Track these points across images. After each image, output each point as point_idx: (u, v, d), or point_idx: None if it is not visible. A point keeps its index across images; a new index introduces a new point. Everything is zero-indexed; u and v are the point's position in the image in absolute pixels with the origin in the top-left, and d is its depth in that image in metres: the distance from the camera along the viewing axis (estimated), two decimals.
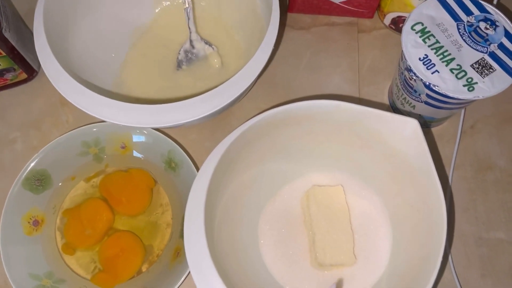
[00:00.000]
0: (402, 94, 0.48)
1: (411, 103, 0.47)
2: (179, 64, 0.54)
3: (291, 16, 0.59)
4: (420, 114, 0.48)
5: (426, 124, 0.51)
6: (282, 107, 0.40)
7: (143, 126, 0.40)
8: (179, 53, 0.54)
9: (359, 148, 0.45)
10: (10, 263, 0.43)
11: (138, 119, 0.40)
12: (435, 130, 0.53)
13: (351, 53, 0.57)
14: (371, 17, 0.58)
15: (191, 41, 0.53)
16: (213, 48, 0.53)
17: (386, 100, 0.54)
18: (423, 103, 0.46)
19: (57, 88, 0.40)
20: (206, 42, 0.53)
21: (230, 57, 0.54)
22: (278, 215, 0.48)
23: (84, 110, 0.40)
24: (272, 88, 0.55)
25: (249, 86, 0.41)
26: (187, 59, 0.54)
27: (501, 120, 0.53)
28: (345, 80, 0.55)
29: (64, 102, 0.55)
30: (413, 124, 0.39)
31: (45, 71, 0.41)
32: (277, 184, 0.49)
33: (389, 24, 0.57)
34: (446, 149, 0.52)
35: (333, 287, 0.33)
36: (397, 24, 0.56)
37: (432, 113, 0.47)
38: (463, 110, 0.53)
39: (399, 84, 0.48)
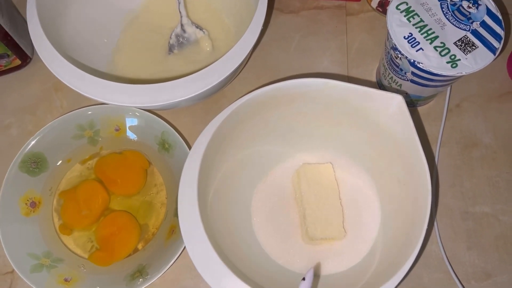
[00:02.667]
0: (389, 73, 0.49)
1: (397, 82, 0.49)
2: (170, 49, 0.55)
3: (280, 0, 0.60)
4: (406, 93, 0.50)
5: (412, 104, 0.53)
6: (272, 85, 0.41)
7: (137, 106, 0.41)
8: (170, 37, 0.55)
9: (347, 126, 0.46)
10: (8, 243, 0.44)
11: (132, 99, 0.41)
12: (421, 109, 0.54)
13: (340, 36, 0.58)
14: (359, 0, 0.59)
15: (182, 25, 0.54)
16: (204, 32, 0.54)
17: (374, 82, 0.56)
18: (409, 82, 0.47)
19: (50, 69, 0.41)
20: (197, 26, 0.54)
21: (220, 40, 0.55)
22: (270, 193, 0.49)
23: (77, 91, 0.41)
24: (263, 71, 0.56)
25: (239, 65, 0.42)
26: (178, 43, 0.55)
27: (486, 99, 0.55)
28: (334, 62, 0.57)
29: (58, 88, 0.55)
30: (398, 100, 0.40)
31: (38, 53, 0.42)
32: (269, 163, 0.50)
33: (376, 7, 0.58)
34: (432, 127, 0.53)
35: (311, 272, 0.35)
36: (384, 6, 0.57)
37: (418, 92, 0.49)
38: (448, 90, 0.54)
39: (385, 63, 0.49)
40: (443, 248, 0.48)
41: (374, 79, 0.56)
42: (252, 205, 0.49)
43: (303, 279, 0.35)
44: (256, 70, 0.56)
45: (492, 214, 0.50)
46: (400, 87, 0.49)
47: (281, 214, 0.48)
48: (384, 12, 0.58)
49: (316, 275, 0.45)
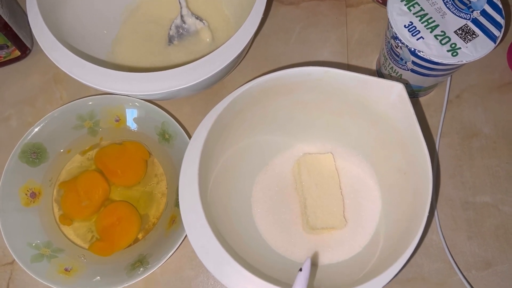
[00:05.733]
0: (389, 63, 0.49)
1: (397, 72, 0.49)
2: (170, 40, 0.55)
3: None
4: (407, 83, 0.50)
5: (413, 94, 0.53)
6: (272, 74, 0.40)
7: (137, 94, 0.41)
8: (170, 28, 0.54)
9: (347, 115, 0.46)
10: (9, 233, 0.44)
11: (132, 87, 0.40)
12: (422, 100, 0.54)
13: (340, 27, 0.58)
14: None
15: (182, 16, 0.54)
16: (203, 23, 0.54)
17: (374, 72, 0.56)
18: (409, 71, 0.47)
19: (49, 57, 0.41)
20: (197, 17, 0.54)
21: (220, 31, 0.55)
22: (271, 183, 0.49)
23: (77, 79, 0.41)
24: (263, 62, 0.56)
25: (239, 54, 0.42)
26: (178, 34, 0.55)
27: (486, 89, 0.55)
28: (334, 53, 0.57)
29: (57, 79, 0.55)
30: (398, 88, 0.40)
31: (37, 40, 0.42)
32: (269, 153, 0.50)
33: None
34: (433, 118, 0.53)
35: (308, 262, 0.34)
36: None
37: (418, 82, 0.49)
38: (448, 81, 0.54)
39: (386, 53, 0.49)
40: (444, 238, 0.48)
41: (374, 70, 0.56)
42: (253, 195, 0.49)
43: (300, 269, 0.34)
44: (256, 61, 0.56)
45: (493, 204, 0.50)
46: (401, 77, 0.49)
47: (281, 204, 0.48)
48: (384, 3, 0.58)
49: (317, 265, 0.45)
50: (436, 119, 0.53)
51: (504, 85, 0.55)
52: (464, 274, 0.47)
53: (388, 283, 0.35)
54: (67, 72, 0.41)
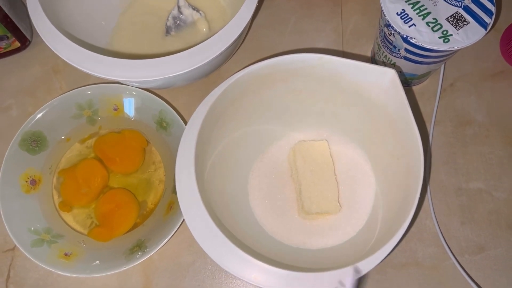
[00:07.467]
0: (383, 52, 0.50)
1: (391, 60, 0.49)
2: (167, 31, 0.55)
3: None
4: (400, 71, 0.50)
5: (407, 83, 0.53)
6: (267, 60, 0.41)
7: (135, 80, 0.41)
8: (167, 19, 0.55)
9: (341, 103, 0.47)
10: (10, 219, 0.45)
11: (129, 74, 0.41)
12: (416, 88, 0.55)
13: (335, 18, 0.59)
14: None
15: (179, 7, 0.55)
16: (200, 14, 0.55)
17: (368, 60, 0.56)
18: (402, 59, 0.48)
19: (48, 44, 0.42)
20: (194, 8, 0.55)
21: (217, 22, 0.56)
22: (267, 171, 0.50)
23: (76, 66, 0.42)
24: (259, 52, 0.57)
25: (234, 41, 0.43)
26: (175, 25, 0.55)
27: (479, 78, 0.55)
28: (329, 44, 0.57)
29: (57, 70, 0.56)
30: (391, 74, 0.40)
31: (36, 28, 0.43)
32: (265, 141, 0.51)
33: None
34: (427, 106, 0.54)
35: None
36: None
37: (412, 70, 0.49)
38: (442, 69, 0.55)
39: (379, 42, 0.50)
40: (437, 223, 0.49)
41: (369, 59, 0.56)
42: (249, 182, 0.49)
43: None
44: (252, 51, 0.57)
45: (486, 189, 0.50)
46: (394, 66, 0.50)
47: (277, 191, 0.49)
48: None
49: (312, 249, 0.46)
50: (430, 108, 0.54)
51: (497, 73, 0.55)
52: (457, 258, 0.48)
53: (379, 264, 0.36)
54: (66, 60, 0.42)
